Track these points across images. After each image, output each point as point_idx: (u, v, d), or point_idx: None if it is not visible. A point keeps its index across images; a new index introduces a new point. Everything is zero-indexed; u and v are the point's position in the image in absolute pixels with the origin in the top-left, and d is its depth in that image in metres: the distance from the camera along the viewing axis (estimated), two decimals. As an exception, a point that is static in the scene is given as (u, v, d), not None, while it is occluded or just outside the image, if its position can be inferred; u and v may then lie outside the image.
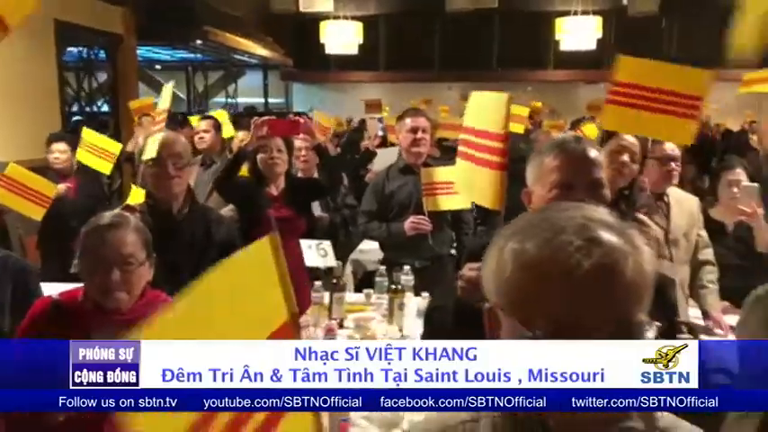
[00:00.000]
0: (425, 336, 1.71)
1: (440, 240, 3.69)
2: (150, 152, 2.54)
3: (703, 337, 3.13)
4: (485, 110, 1.94)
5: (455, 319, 1.44)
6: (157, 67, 14.21)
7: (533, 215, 0.83)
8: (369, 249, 4.59)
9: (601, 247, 0.75)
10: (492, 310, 0.83)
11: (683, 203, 3.25)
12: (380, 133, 8.06)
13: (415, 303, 3.16)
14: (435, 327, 1.62)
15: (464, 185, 2.06)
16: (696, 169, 5.78)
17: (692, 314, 3.30)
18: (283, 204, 3.44)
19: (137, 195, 2.81)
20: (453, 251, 3.89)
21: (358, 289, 4.05)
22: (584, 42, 12.18)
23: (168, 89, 3.60)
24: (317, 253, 3.12)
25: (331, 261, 3.17)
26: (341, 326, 3.10)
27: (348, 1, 12.75)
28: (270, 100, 15.15)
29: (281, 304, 0.90)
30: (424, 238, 3.60)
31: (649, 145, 3.15)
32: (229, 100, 14.81)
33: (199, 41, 10.22)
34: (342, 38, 11.73)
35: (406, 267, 3.49)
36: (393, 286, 3.18)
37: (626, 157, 2.93)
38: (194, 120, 6.08)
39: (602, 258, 0.74)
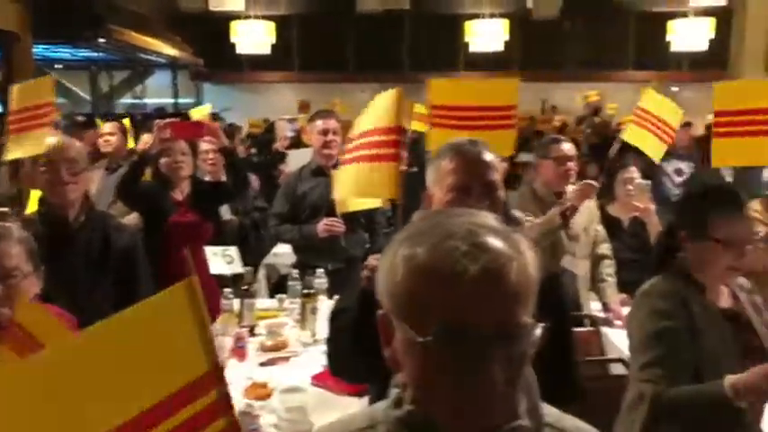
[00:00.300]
0: (330, 337, 1.70)
1: (353, 242, 3.70)
2: (14, 152, 2.42)
3: (603, 328, 3.30)
4: (378, 108, 1.97)
5: (359, 313, 1.44)
6: (58, 66, 13.51)
7: (425, 221, 0.84)
8: (282, 253, 4.54)
9: (487, 252, 0.77)
10: (385, 315, 0.84)
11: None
12: (290, 134, 8.00)
13: (329, 307, 3.14)
14: (340, 328, 1.61)
15: (361, 186, 2.08)
16: (598, 167, 6.04)
17: (594, 307, 3.47)
18: (189, 209, 3.35)
19: (34, 202, 2.67)
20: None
21: (272, 294, 4.01)
22: (492, 45, 12.51)
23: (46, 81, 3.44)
24: (222, 259, 3.06)
25: (237, 267, 3.11)
26: (252, 333, 3.05)
27: (259, 0, 12.56)
28: (180, 100, 14.71)
29: (200, 355, 0.84)
30: (338, 239, 3.60)
31: None
32: (136, 101, 14.28)
33: (102, 40, 9.79)
34: (253, 38, 11.52)
35: (320, 270, 3.48)
36: (305, 290, 3.16)
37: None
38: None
39: (488, 263, 0.76)
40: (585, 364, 2.89)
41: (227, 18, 12.07)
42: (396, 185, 1.91)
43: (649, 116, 3.37)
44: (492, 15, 12.86)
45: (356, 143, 2.04)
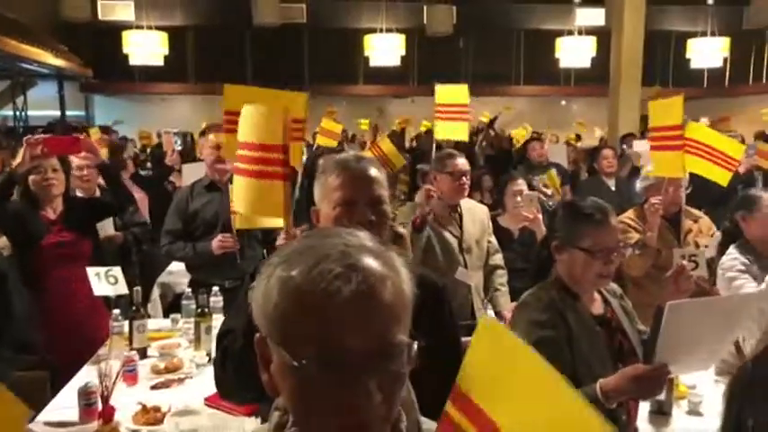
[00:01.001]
0: (216, 359, 1.67)
1: (250, 259, 3.63)
2: None
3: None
4: (264, 123, 1.95)
5: (245, 333, 1.41)
6: (-72, 75, 12.49)
7: (300, 243, 0.84)
8: (177, 271, 4.40)
9: (360, 273, 0.77)
10: (262, 339, 0.83)
11: (474, 213, 3.51)
12: (178, 148, 7.79)
13: (224, 325, 3.08)
14: (227, 349, 1.58)
15: (251, 202, 2.05)
16: (493, 179, 6.26)
17: (488, 315, 3.58)
18: (64, 227, 3.18)
19: None
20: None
21: (168, 313, 3.87)
22: (391, 59, 12.74)
23: None
24: (105, 281, 2.92)
25: (122, 288, 2.98)
26: (144, 355, 2.94)
27: (151, 10, 12.17)
28: (68, 112, 13.95)
29: None
30: (233, 256, 3.53)
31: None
32: (18, 113, 13.42)
33: (-23, 48, 9.16)
34: (146, 48, 11.15)
35: (215, 288, 3.40)
36: (199, 309, 3.08)
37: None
38: None
39: (361, 284, 0.77)
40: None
41: (117, 28, 11.62)
42: (282, 205, 1.90)
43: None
44: (389, 30, 13.10)
45: (242, 153, 2.00)
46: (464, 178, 3.34)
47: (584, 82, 14.42)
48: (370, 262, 0.79)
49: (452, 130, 4.09)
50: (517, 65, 15.55)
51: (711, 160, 3.18)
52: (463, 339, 2.98)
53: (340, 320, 0.76)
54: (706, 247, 3.38)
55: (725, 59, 14.08)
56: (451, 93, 4.10)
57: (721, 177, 3.25)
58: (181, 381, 2.74)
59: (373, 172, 1.57)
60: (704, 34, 13.83)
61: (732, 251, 3.02)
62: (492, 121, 10.14)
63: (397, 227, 2.82)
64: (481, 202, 4.69)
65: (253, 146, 1.94)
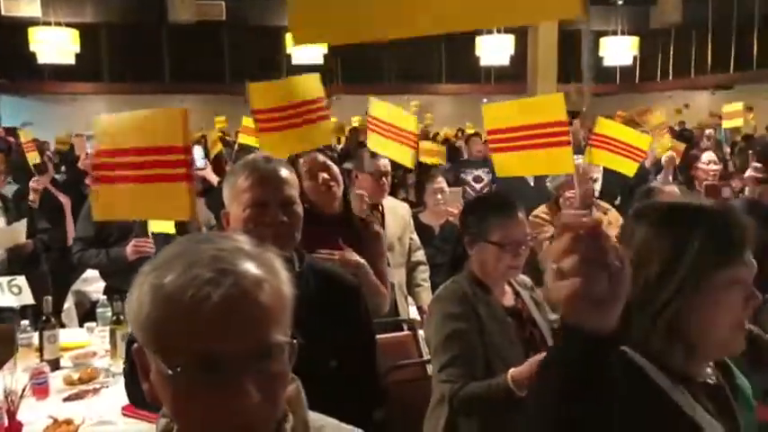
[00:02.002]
0: (126, 370, 1.63)
1: (167, 263, 3.54)
2: None
3: (421, 331, 3.45)
4: (154, 126, 1.92)
5: None
6: None
7: (173, 248, 0.83)
8: (93, 278, 4.25)
9: (231, 277, 0.77)
10: (140, 348, 0.82)
11: (395, 211, 3.55)
12: (89, 151, 7.51)
13: (141, 333, 2.99)
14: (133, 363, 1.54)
15: (147, 207, 2.00)
16: (417, 177, 6.35)
17: (412, 311, 3.63)
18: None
19: None
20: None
21: (83, 322, 3.74)
22: (313, 57, 12.69)
23: None
24: (8, 291, 2.79)
25: (26, 298, 2.85)
26: (57, 366, 2.82)
27: (60, 7, 11.65)
28: (-29, 114, 13.22)
29: None
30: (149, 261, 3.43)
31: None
32: None
33: None
34: (55, 46, 10.65)
35: (131, 294, 3.29)
36: (115, 317, 2.98)
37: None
38: None
39: (232, 288, 0.77)
40: (405, 366, 3.02)
41: (23, 24, 11.06)
42: (188, 206, 1.88)
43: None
44: (311, 28, 13.02)
45: (123, 160, 1.95)
46: (384, 179, 3.36)
47: (504, 80, 14.80)
48: (245, 265, 0.80)
49: (395, 151, 3.86)
50: (439, 63, 15.79)
51: (619, 153, 3.34)
52: (386, 335, 3.04)
53: (211, 325, 0.76)
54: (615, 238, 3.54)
55: (635, 57, 14.77)
56: (394, 114, 3.83)
57: (629, 168, 3.42)
58: (96, 391, 2.64)
59: (284, 173, 1.57)
60: (615, 33, 14.46)
61: None
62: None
63: (375, 225, 2.83)
64: (405, 199, 4.75)
65: (141, 150, 1.90)
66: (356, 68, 14.67)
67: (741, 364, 1.27)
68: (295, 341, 0.82)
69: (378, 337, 2.93)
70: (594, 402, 0.79)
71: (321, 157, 2.67)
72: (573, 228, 0.77)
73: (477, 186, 6.59)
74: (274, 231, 1.51)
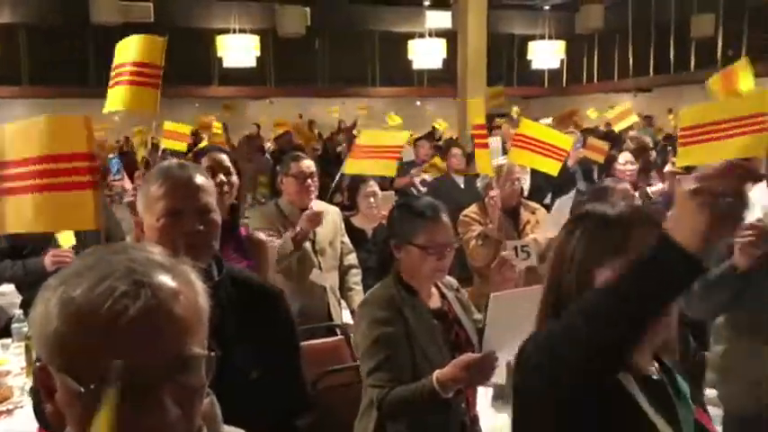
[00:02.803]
0: (33, 391, 1.55)
1: (89, 273, 3.40)
2: None
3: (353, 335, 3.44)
4: (63, 133, 1.85)
5: None
6: None
7: (83, 260, 0.79)
8: (10, 292, 4.05)
9: (147, 290, 0.75)
10: (44, 367, 0.78)
11: (326, 214, 3.52)
12: None
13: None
14: None
15: (49, 217, 1.92)
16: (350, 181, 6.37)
17: (345, 315, 3.61)
18: None
19: None
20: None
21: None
22: (245, 60, 12.52)
23: None
24: None
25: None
26: (-33, 386, 2.67)
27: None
28: None
29: None
30: (70, 272, 3.29)
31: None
32: None
33: None
34: (-31, 48, 10.14)
35: (50, 308, 3.15)
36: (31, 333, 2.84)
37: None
38: None
39: (149, 300, 0.74)
40: (338, 371, 3.00)
41: (-67, 25, 10.48)
42: (95, 214, 1.81)
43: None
44: (242, 31, 12.85)
45: (18, 171, 1.87)
46: (309, 180, 3.33)
47: (437, 83, 14.97)
48: (160, 277, 0.77)
49: (377, 167, 3.93)
50: (372, 66, 15.84)
51: (541, 153, 3.43)
52: (319, 341, 3.01)
53: (129, 339, 0.73)
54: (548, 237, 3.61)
55: (562, 61, 15.22)
56: (383, 137, 3.96)
57: (552, 168, 3.52)
58: (9, 412, 2.51)
59: (199, 179, 1.53)
60: (542, 37, 14.86)
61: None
62: (354, 123, 10.31)
63: (257, 233, 2.77)
64: (341, 203, 4.72)
65: (41, 159, 1.82)
66: (289, 71, 14.53)
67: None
68: (213, 353, 0.80)
69: (310, 342, 2.93)
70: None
71: (226, 161, 2.61)
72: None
73: (424, 189, 6.65)
74: (190, 241, 1.46)
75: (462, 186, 5.93)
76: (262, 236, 2.79)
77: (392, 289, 1.97)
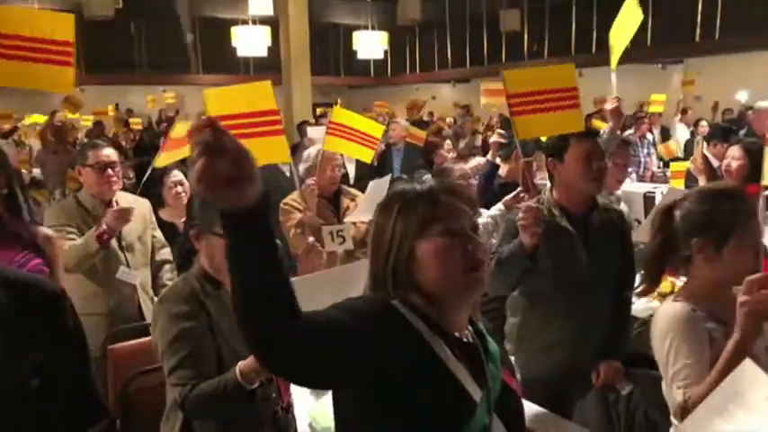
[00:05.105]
0: None
1: None
2: None
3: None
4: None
5: None
6: None
7: None
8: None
9: None
10: None
11: (134, 207, 3.30)
12: None
13: None
14: None
15: None
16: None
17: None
18: None
19: None
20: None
21: None
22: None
23: None
24: None
25: None
26: None
27: None
28: None
29: None
30: None
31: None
32: None
33: None
34: None
35: None
36: None
37: None
38: None
39: None
40: (152, 371, 2.83)
41: None
42: None
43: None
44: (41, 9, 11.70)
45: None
46: (110, 170, 3.08)
47: (263, 71, 14.66)
48: None
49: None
50: (195, 53, 15.21)
51: (354, 140, 3.48)
52: (132, 342, 2.82)
53: None
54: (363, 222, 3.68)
55: (385, 52, 15.61)
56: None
57: (365, 155, 3.59)
58: None
59: None
60: (366, 28, 15.13)
61: None
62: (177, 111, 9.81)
63: (43, 229, 2.48)
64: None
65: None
66: (103, 57, 13.53)
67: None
68: None
69: (121, 344, 2.74)
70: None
71: None
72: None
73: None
74: None
75: (288, 174, 5.88)
76: (48, 231, 2.53)
77: (194, 282, 1.88)
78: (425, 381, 1.19)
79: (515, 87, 2.57)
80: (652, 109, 8.73)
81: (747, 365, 1.32)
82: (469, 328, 1.36)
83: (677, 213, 1.80)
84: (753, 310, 1.48)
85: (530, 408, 2.17)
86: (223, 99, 2.65)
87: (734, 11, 10.82)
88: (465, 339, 1.32)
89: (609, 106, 3.27)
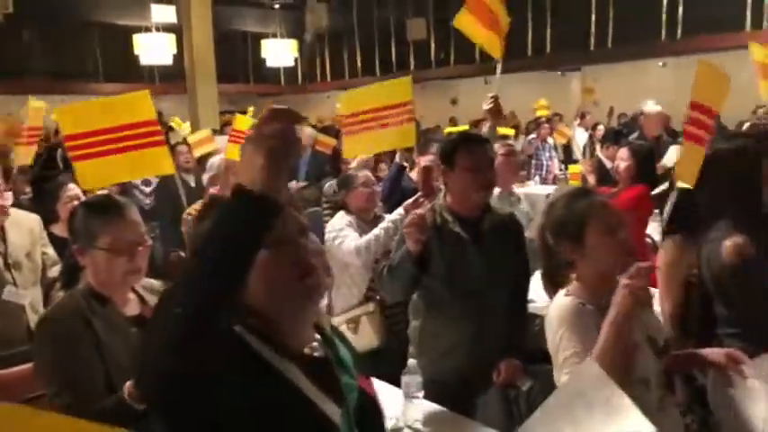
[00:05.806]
0: None
1: None
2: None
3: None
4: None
5: None
6: None
7: None
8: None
9: None
10: None
11: (19, 223, 3.14)
12: None
13: None
14: None
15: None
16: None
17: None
18: None
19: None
20: None
21: None
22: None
23: None
24: None
25: None
26: None
27: None
28: None
29: None
30: None
31: None
32: None
33: None
34: None
35: None
36: None
37: None
38: None
39: None
40: (40, 398, 2.68)
41: None
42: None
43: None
44: None
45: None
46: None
47: (169, 79, 14.24)
48: None
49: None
50: (94, 61, 14.58)
51: None
52: (20, 368, 2.65)
53: None
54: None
55: (296, 59, 15.50)
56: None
57: None
58: None
59: None
60: (275, 36, 14.97)
61: (338, 216, 3.50)
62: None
63: None
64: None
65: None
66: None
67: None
68: None
69: (10, 370, 2.57)
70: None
71: None
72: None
73: (147, 190, 6.27)
74: None
75: (193, 185, 5.72)
76: None
77: (79, 299, 1.79)
78: (280, 412, 1.11)
79: (351, 108, 2.60)
80: (539, 113, 9.26)
81: (591, 366, 1.39)
82: (317, 336, 1.28)
83: (543, 228, 1.95)
84: (632, 293, 1.58)
85: (432, 409, 2.20)
86: (85, 114, 2.49)
87: (624, 20, 11.44)
88: (315, 354, 1.25)
89: (486, 106, 3.35)
